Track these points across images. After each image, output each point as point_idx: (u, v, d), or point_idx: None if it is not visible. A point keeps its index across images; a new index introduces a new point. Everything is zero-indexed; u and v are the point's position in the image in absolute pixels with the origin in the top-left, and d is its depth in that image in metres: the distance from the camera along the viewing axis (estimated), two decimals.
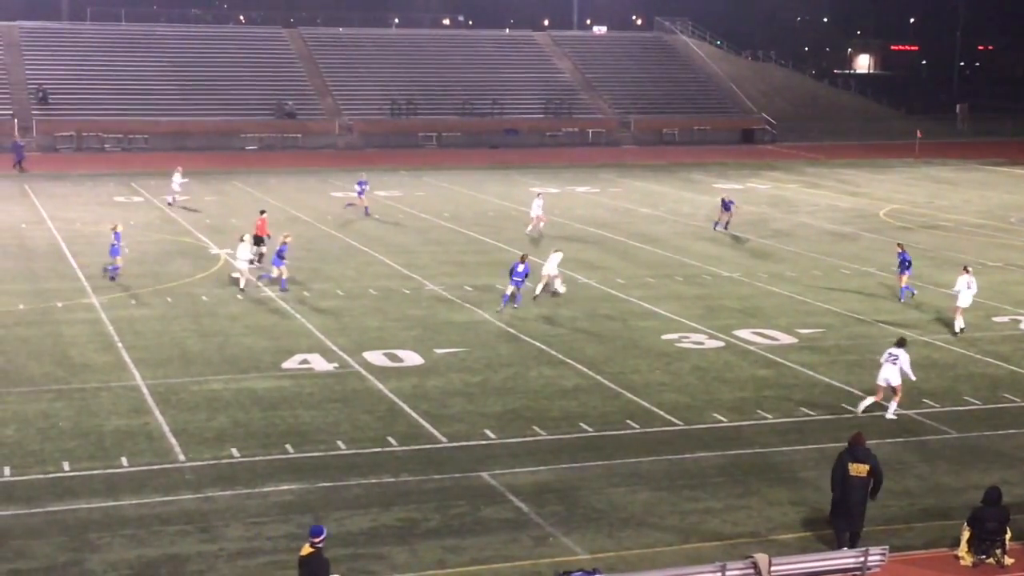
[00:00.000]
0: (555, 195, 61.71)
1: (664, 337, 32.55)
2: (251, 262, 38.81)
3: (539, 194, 50.90)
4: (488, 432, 24.75)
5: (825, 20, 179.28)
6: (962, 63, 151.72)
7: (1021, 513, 19.74)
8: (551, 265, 37.20)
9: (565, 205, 57.78)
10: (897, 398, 25.94)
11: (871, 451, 19.49)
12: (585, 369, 29.37)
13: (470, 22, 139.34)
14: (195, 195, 57.80)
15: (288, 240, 38.56)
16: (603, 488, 21.83)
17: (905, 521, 20.46)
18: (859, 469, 19.08)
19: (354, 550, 19.11)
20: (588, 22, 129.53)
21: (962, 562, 18.69)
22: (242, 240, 38.34)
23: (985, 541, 18.71)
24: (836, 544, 19.13)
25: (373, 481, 21.99)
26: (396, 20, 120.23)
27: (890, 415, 25.85)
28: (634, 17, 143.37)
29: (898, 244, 39.97)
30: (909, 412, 26.23)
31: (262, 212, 43.46)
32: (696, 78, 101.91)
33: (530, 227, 48.86)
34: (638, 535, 19.82)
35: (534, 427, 25.09)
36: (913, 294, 37.51)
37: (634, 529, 20.05)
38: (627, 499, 21.35)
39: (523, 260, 35.99)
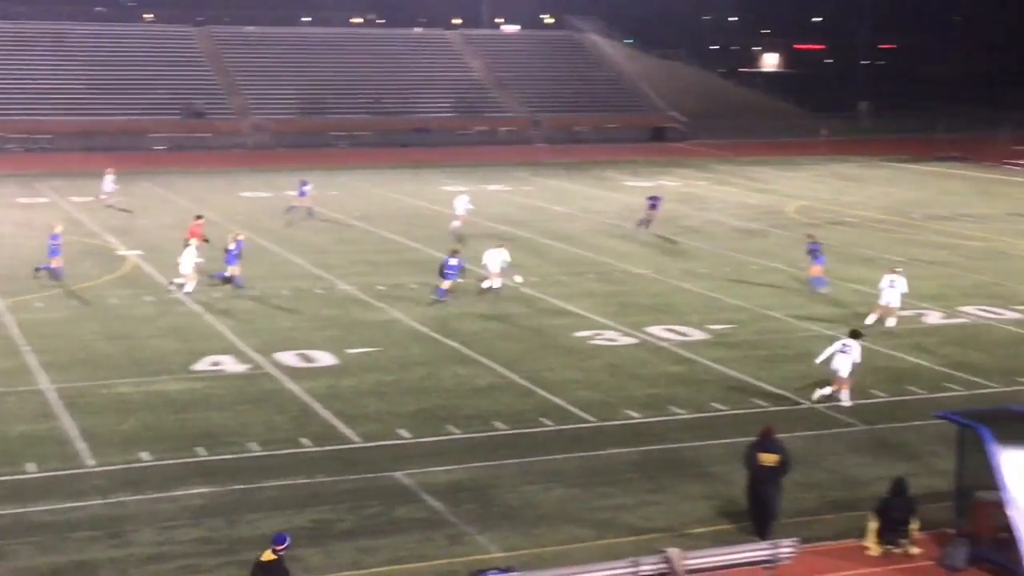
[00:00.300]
0: (466, 193, 61.66)
1: (577, 335, 32.71)
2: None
3: (463, 192, 50.87)
4: (402, 432, 24.70)
5: (732, 19, 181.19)
6: (866, 61, 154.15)
7: (926, 503, 20.11)
8: (495, 261, 37.45)
9: (477, 204, 57.69)
10: (846, 387, 26.79)
11: (781, 442, 19.83)
12: (499, 367, 29.42)
13: (381, 21, 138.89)
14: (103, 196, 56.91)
15: (241, 238, 38.66)
16: (517, 486, 21.89)
17: (815, 513, 20.78)
18: (768, 459, 19.48)
19: None
20: (498, 21, 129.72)
21: (870, 552, 19.03)
22: (187, 245, 37.63)
23: (892, 531, 19.07)
24: (755, 529, 19.51)
25: (286, 483, 21.84)
26: (306, 19, 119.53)
27: (845, 403, 26.68)
28: (544, 16, 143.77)
29: (808, 235, 40.65)
30: (818, 406, 26.64)
31: (198, 217, 42.85)
32: (606, 76, 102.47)
33: (458, 223, 48.91)
34: (552, 532, 19.90)
35: (448, 426, 25.08)
36: (826, 286, 38.13)
37: (548, 526, 20.13)
38: (541, 496, 21.43)
39: (454, 255, 36.41)
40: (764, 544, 17.88)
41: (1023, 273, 41.79)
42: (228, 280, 37.86)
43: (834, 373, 26.87)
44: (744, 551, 17.69)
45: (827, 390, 27.03)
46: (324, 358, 30.01)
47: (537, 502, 21.18)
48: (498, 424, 25.27)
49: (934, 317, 35.03)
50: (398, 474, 22.37)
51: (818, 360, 27.35)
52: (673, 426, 25.38)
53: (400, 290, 37.98)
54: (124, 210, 53.39)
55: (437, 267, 36.96)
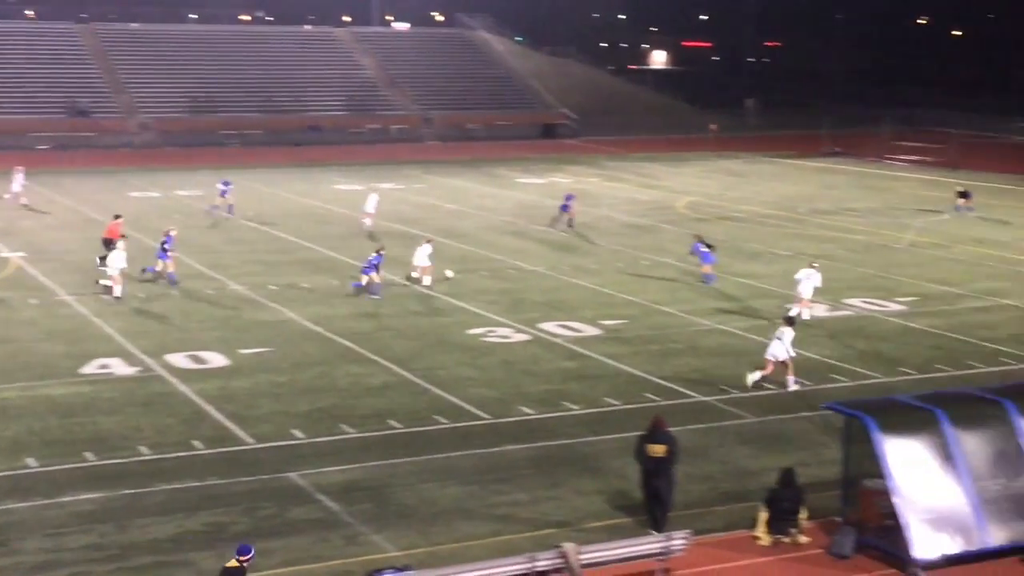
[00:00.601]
0: (359, 192, 61.44)
1: (470, 332, 32.77)
2: (100, 264, 38.01)
3: (373, 190, 51.10)
4: (296, 432, 24.54)
5: (621, 17, 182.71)
6: (751, 59, 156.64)
7: (814, 493, 20.51)
8: (421, 255, 38.37)
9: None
10: (789, 371, 27.71)
11: (670, 433, 20.10)
12: (393, 366, 29.36)
13: (269, 18, 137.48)
14: None
15: (173, 233, 38.57)
16: (413, 484, 21.88)
17: (707, 505, 21.07)
18: (656, 450, 19.75)
19: (159, 558, 18.72)
20: (389, 19, 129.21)
21: (760, 542, 19.35)
22: (115, 247, 36.86)
23: (781, 521, 19.41)
24: (648, 522, 19.75)
25: (178, 486, 21.57)
26: (193, 16, 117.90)
27: (791, 387, 27.59)
28: (434, 14, 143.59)
29: (695, 235, 41.20)
30: (709, 399, 27.02)
31: (116, 216, 42.14)
32: (497, 74, 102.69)
33: (369, 222, 49.00)
34: (448, 530, 19.93)
35: (342, 425, 24.98)
36: (712, 281, 38.77)
37: (444, 524, 20.15)
38: (437, 494, 21.45)
39: (378, 252, 37.45)
40: (657, 536, 18.11)
41: (905, 265, 42.79)
42: (159, 275, 37.87)
43: (770, 359, 27.62)
44: (638, 544, 17.90)
45: (757, 374, 27.78)
46: (216, 359, 29.68)
47: (433, 500, 21.19)
48: (393, 423, 25.23)
49: (820, 310, 35.68)
50: (292, 475, 22.22)
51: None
52: (567, 422, 25.56)
53: (293, 290, 37.70)
54: (33, 209, 52.52)
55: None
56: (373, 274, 36.75)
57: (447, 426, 25.16)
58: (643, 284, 39.21)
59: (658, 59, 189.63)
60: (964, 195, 56.35)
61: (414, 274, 38.69)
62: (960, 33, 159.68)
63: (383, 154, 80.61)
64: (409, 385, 27.93)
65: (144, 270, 38.22)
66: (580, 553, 17.31)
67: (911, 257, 44.51)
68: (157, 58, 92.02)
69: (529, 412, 26.10)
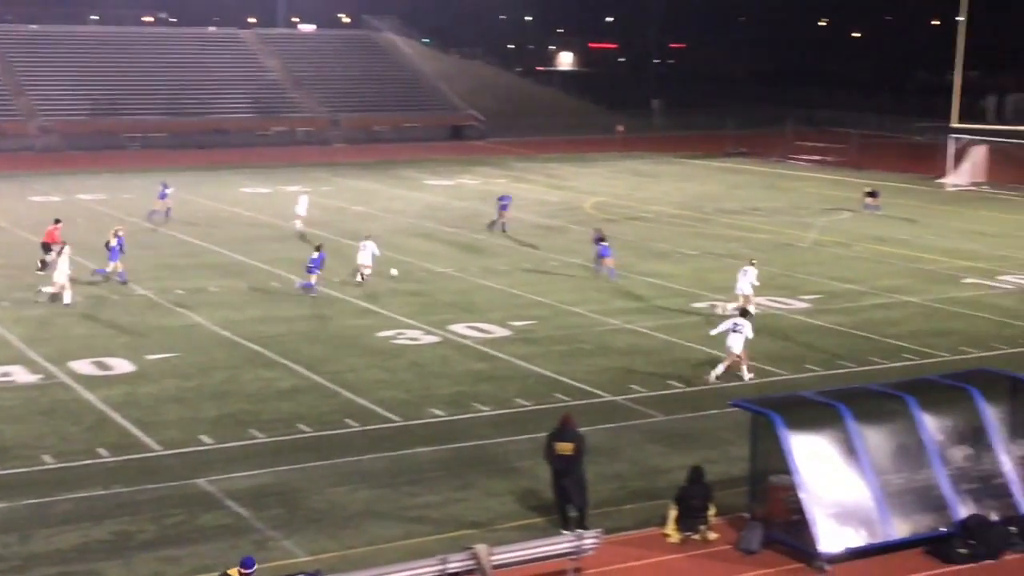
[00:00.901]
0: (266, 195, 61.05)
1: (380, 334, 32.67)
2: (39, 268, 38.15)
3: (305, 192, 51.28)
4: (204, 438, 24.28)
5: (528, 19, 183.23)
6: (657, 60, 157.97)
7: (722, 490, 20.76)
8: (365, 254, 38.81)
9: (277, 205, 57.14)
10: (743, 363, 28.45)
11: (578, 431, 20.23)
12: (302, 369, 29.17)
13: (173, 20, 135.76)
14: None
15: (122, 233, 38.88)
16: (323, 488, 21.76)
17: (617, 503, 21.21)
18: (564, 448, 19.87)
19: (64, 568, 18.41)
20: (294, 20, 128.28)
21: (670, 540, 19.53)
22: (60, 253, 36.18)
23: (690, 518, 19.61)
24: (559, 521, 19.86)
25: (83, 495, 21.23)
26: (94, 17, 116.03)
27: (746, 377, 28.32)
28: (341, 15, 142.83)
29: (595, 229, 41.95)
30: (618, 398, 27.21)
31: (56, 221, 41.75)
32: (405, 76, 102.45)
33: (300, 224, 48.92)
34: (359, 533, 19.86)
35: (251, 430, 24.77)
36: (615, 278, 39.17)
37: (355, 527, 20.07)
38: (348, 498, 21.35)
39: (318, 250, 37.75)
40: (568, 536, 18.19)
41: (809, 264, 43.45)
42: (109, 276, 37.99)
43: (728, 351, 28.38)
44: (549, 544, 17.98)
45: (720, 368, 28.48)
46: (121, 365, 29.26)
47: (343, 504, 21.09)
48: (302, 427, 25.07)
49: (727, 308, 36.03)
50: (200, 481, 21.98)
51: (712, 332, 29.28)
52: (478, 423, 25.58)
53: (201, 294, 37.30)
54: None
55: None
56: (317, 273, 37.29)
57: (357, 429, 25.06)
58: (552, 285, 39.37)
59: (565, 60, 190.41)
60: (872, 194, 57.43)
61: (365, 272, 38.81)
62: (859, 35, 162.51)
63: (290, 156, 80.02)
64: (319, 388, 27.77)
65: (95, 272, 38.39)
66: (492, 554, 17.35)
67: (815, 256, 45.21)
68: (58, 60, 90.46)
69: (439, 414, 26.08)
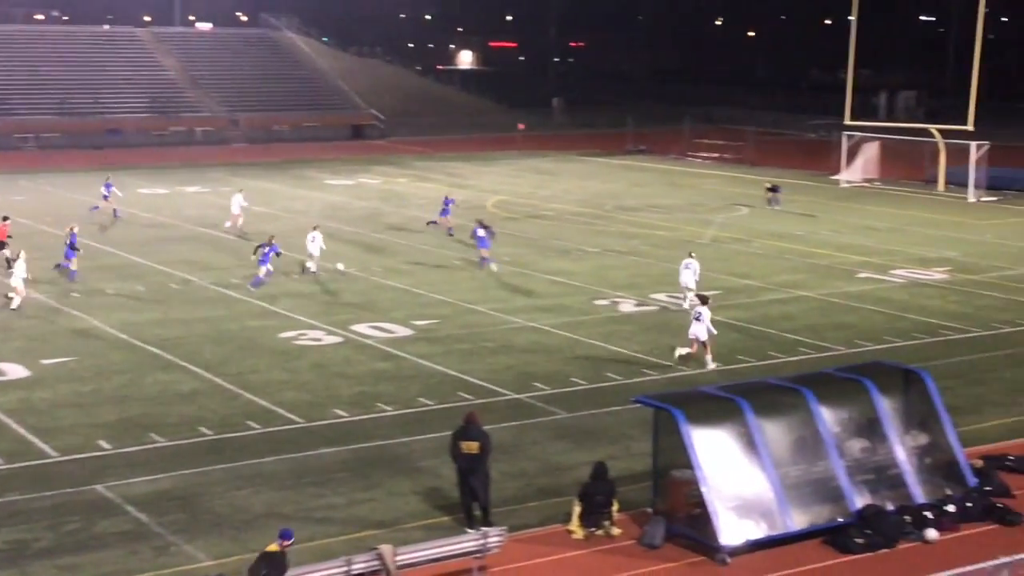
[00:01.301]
0: (164, 196, 60.26)
1: (282, 335, 32.42)
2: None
3: (240, 191, 51.36)
4: (102, 443, 23.90)
5: (428, 18, 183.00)
6: (557, 59, 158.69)
7: (626, 485, 20.95)
8: (315, 244, 40.39)
9: (175, 206, 56.49)
10: (708, 351, 29.37)
11: (483, 429, 20.28)
12: (202, 372, 28.85)
13: (65, 18, 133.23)
14: None
15: (75, 230, 39.66)
16: (225, 491, 21.55)
17: (521, 501, 21.28)
18: (470, 446, 19.93)
19: None
20: (192, 18, 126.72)
21: (574, 536, 19.64)
22: (18, 258, 35.60)
23: (594, 514, 19.74)
24: (464, 520, 19.91)
25: None
26: None
27: (710, 366, 29.20)
28: (239, 14, 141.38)
29: (477, 220, 43.15)
30: (521, 396, 27.30)
31: (4, 218, 41.46)
32: (304, 75, 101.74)
33: (229, 223, 49.01)
34: (263, 536, 19.63)
35: (151, 434, 24.44)
36: (492, 266, 40.23)
37: (259, 530, 19.88)
38: (250, 501, 21.16)
39: (270, 242, 38.67)
40: (474, 534, 18.23)
41: (708, 260, 43.80)
42: (63, 272, 38.95)
43: (693, 339, 29.27)
44: (454, 543, 18.00)
45: (684, 350, 29.54)
46: (15, 371, 28.69)
47: (246, 507, 20.90)
48: (203, 429, 24.79)
49: (628, 305, 36.41)
50: (99, 487, 21.64)
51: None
52: (382, 423, 25.51)
53: (97, 297, 36.71)
54: None
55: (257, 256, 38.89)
56: (268, 265, 38.37)
57: (259, 431, 24.85)
58: (454, 284, 39.38)
59: (465, 59, 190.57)
60: (773, 189, 58.49)
61: (309, 264, 40.15)
62: (754, 34, 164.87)
63: (188, 157, 79.06)
64: (220, 391, 27.48)
65: (57, 266, 39.21)
66: (396, 554, 17.33)
67: (714, 252, 45.72)
68: None
69: (343, 414, 25.96)
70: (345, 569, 17.01)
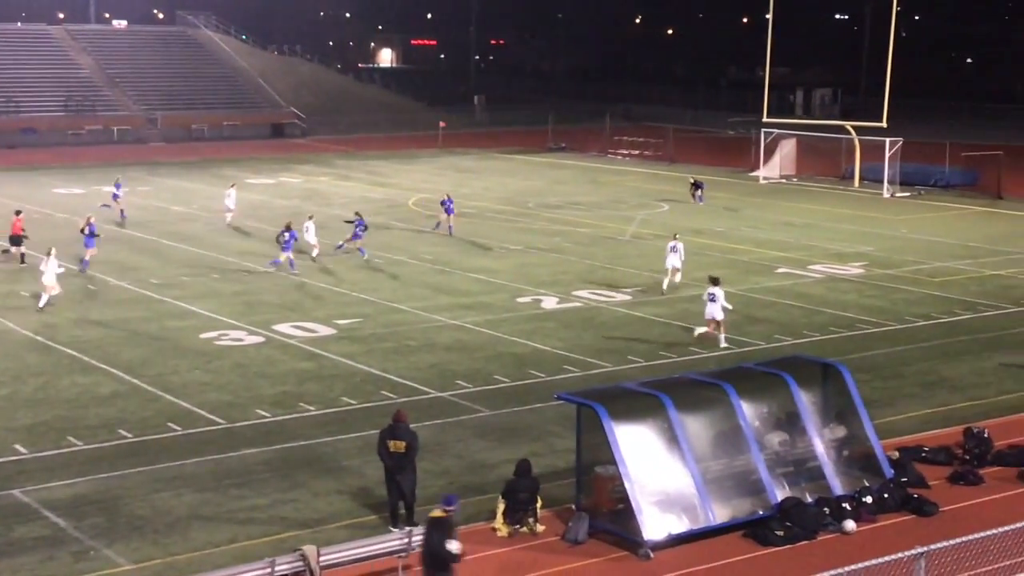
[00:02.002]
0: (80, 196, 59.43)
1: (203, 336, 32.14)
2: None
3: (233, 185, 52.48)
4: (18, 447, 23.54)
5: (348, 15, 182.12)
6: (477, 57, 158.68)
7: (549, 482, 21.04)
8: (310, 234, 42.53)
9: (92, 205, 55.68)
10: (723, 330, 31.18)
11: (410, 428, 20.26)
12: (122, 374, 28.51)
13: None
14: None
15: (93, 220, 40.69)
16: (146, 494, 21.32)
17: None
18: (397, 446, 19.91)
19: None
20: (107, 16, 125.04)
21: (499, 533, 19.69)
22: (49, 255, 35.12)
23: (518, 511, 19.80)
24: (389, 519, 19.90)
25: None
26: None
27: (722, 344, 31.01)
28: (155, 11, 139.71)
29: (356, 213, 44.59)
30: (444, 394, 27.30)
31: (17, 212, 43.21)
32: (223, 73, 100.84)
33: (230, 217, 50.25)
34: (185, 539, 19.51)
35: (69, 438, 24.11)
36: (363, 256, 42.06)
37: (180, 533, 19.71)
38: (171, 503, 20.96)
39: (288, 229, 40.61)
40: (398, 533, 18.21)
41: (629, 257, 44.25)
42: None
43: (709, 319, 31.06)
44: (378, 542, 17.96)
45: (702, 329, 31.36)
46: None
47: (167, 509, 20.69)
48: (123, 432, 24.51)
49: (550, 302, 36.55)
50: (15, 492, 21.30)
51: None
52: (305, 423, 25.39)
53: (12, 299, 36.14)
54: None
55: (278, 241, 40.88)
56: (290, 252, 40.31)
57: (180, 433, 24.61)
58: (377, 282, 39.28)
59: (386, 57, 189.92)
60: (697, 185, 59.16)
61: (313, 252, 41.81)
62: (672, 32, 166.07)
63: (105, 156, 78.03)
64: (140, 393, 27.18)
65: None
66: (320, 555, 17.26)
67: (635, 248, 46.05)
68: None
69: (265, 415, 25.80)
70: (269, 570, 16.91)
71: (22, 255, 41.35)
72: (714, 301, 30.89)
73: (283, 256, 40.25)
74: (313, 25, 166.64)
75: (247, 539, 19.53)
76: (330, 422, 25.46)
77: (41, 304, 34.69)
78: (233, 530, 19.87)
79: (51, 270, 34.75)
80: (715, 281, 31.40)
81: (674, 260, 37.57)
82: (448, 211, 48.94)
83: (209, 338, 31.98)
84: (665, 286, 37.45)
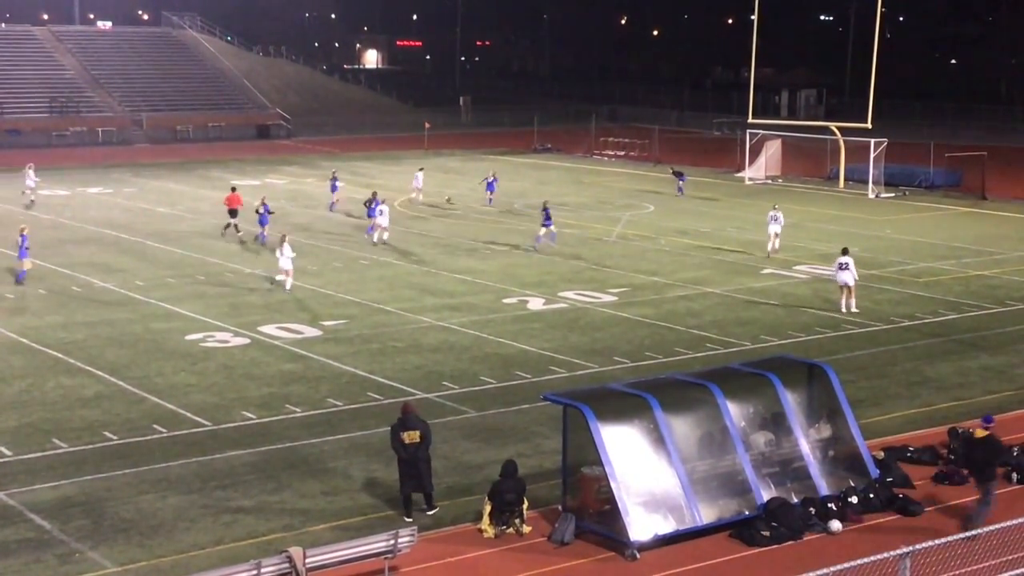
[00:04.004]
0: (66, 197, 59.30)
1: (188, 338, 32.07)
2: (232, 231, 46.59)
3: (421, 169, 57.33)
4: (3, 449, 23.46)
5: (333, 16, 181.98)
6: (463, 58, 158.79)
7: (535, 483, 21.05)
8: (384, 217, 45.52)
9: (77, 207, 55.58)
10: (853, 296, 35.17)
11: (421, 418, 20.55)
12: (106, 375, 28.43)
13: None
14: None
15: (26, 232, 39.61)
16: (131, 497, 21.26)
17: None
18: (412, 436, 20.29)
19: None
20: (91, 16, 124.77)
21: (485, 534, 19.68)
22: (283, 241, 38.13)
23: (505, 512, 19.80)
24: (403, 509, 20.33)
25: None
26: None
27: (853, 308, 35.08)
28: (140, 12, 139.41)
29: (373, 192, 47.01)
30: (430, 395, 27.28)
31: (232, 188, 47.78)
32: (209, 74, 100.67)
33: (417, 196, 56.38)
34: (170, 542, 19.46)
35: (54, 439, 24.03)
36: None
37: (166, 536, 19.66)
38: (156, 506, 20.91)
39: (373, 198, 46.13)
40: (384, 535, 18.16)
41: (615, 257, 44.27)
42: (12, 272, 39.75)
43: (843, 285, 35.13)
44: (364, 544, 17.92)
45: (843, 302, 35.33)
46: None
47: (152, 512, 20.64)
48: (108, 434, 24.44)
49: (536, 303, 36.55)
50: (1, 494, 21.22)
51: (834, 276, 35.95)
52: (290, 424, 25.34)
53: None
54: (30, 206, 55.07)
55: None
56: (377, 218, 45.00)
57: (166, 435, 24.55)
58: (363, 284, 39.24)
59: (371, 59, 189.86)
60: (678, 174, 61.90)
61: (278, 277, 38.88)
62: (657, 33, 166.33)
63: (90, 158, 77.81)
64: (125, 394, 27.11)
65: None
66: (307, 556, 17.23)
67: (620, 249, 46.09)
68: None
69: (251, 416, 25.75)
70: (255, 572, 16.86)
71: (236, 226, 47.42)
72: (846, 269, 34.85)
73: (372, 221, 45.91)
74: (298, 26, 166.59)
75: (233, 541, 19.49)
76: (316, 423, 25.42)
77: (287, 287, 37.57)
78: (219, 532, 19.84)
79: (287, 255, 37.44)
80: (845, 251, 35.61)
81: (774, 228, 44.25)
82: (490, 188, 57.38)
83: (194, 340, 31.91)
84: (769, 248, 44.37)
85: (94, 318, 34.20)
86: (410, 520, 19.80)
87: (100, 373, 28.67)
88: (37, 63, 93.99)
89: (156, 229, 49.65)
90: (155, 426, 24.99)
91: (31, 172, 57.38)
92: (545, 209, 45.92)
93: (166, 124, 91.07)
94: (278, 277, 38.36)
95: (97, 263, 41.81)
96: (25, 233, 39.16)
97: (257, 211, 46.13)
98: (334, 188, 55.50)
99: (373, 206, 45.89)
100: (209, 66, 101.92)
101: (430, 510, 20.46)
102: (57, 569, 18.45)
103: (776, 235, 44.42)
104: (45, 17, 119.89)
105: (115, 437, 24.32)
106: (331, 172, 59.65)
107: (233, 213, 47.85)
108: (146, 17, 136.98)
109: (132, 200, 58.49)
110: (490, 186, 57.89)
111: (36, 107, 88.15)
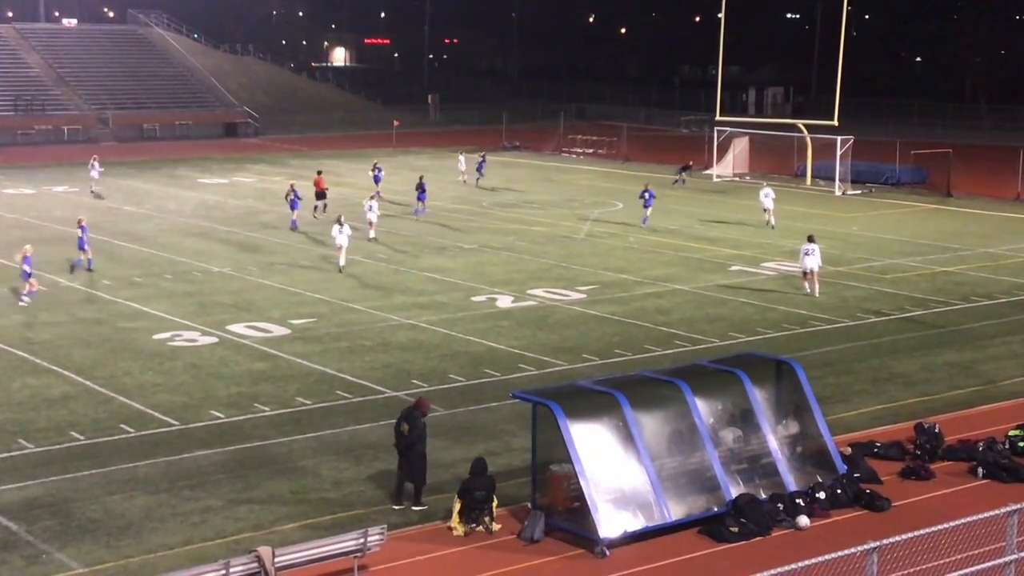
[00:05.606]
0: (31, 196, 58.91)
1: (156, 337, 31.92)
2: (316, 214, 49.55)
3: (461, 153, 59.55)
4: None
5: (300, 14, 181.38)
6: (431, 56, 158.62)
7: (505, 481, 21.06)
8: (372, 213, 46.65)
9: (43, 206, 55.23)
10: (816, 281, 36.94)
11: (420, 416, 20.90)
12: (73, 375, 28.27)
13: None
14: None
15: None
16: (98, 497, 21.15)
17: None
18: (404, 428, 20.70)
19: None
20: (57, 14, 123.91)
21: (455, 533, 19.68)
22: (340, 222, 41.01)
23: (475, 510, 19.80)
24: (394, 495, 20.85)
25: None
26: None
27: (817, 294, 36.76)
28: (106, 9, 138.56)
29: (421, 176, 49.39)
30: (399, 394, 27.24)
31: (319, 172, 48.62)
32: (175, 72, 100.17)
33: (466, 179, 60.45)
34: (138, 542, 19.37)
35: (20, 440, 23.88)
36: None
37: (134, 536, 19.57)
38: (124, 506, 20.80)
39: (421, 181, 51.62)
40: (353, 534, 18.13)
41: (584, 255, 44.34)
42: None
43: (807, 271, 36.79)
44: (334, 543, 17.89)
45: (807, 286, 37.00)
46: None
47: (120, 512, 20.54)
48: (75, 434, 24.30)
49: (505, 301, 36.56)
50: None
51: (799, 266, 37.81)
52: (259, 423, 25.27)
53: None
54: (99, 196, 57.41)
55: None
56: (368, 214, 46.16)
57: (133, 435, 24.43)
58: (332, 282, 39.15)
59: (339, 56, 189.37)
60: (684, 168, 64.93)
61: (370, 232, 45.52)
62: (625, 31, 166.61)
63: (55, 156, 77.32)
64: (92, 394, 26.96)
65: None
66: (276, 556, 17.18)
67: (589, 247, 46.16)
68: None
69: (219, 416, 25.65)
70: (224, 572, 16.80)
71: (325, 206, 50.47)
72: (809, 255, 36.34)
73: (419, 204, 50.95)
74: (266, 24, 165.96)
75: (201, 541, 19.42)
76: (285, 423, 25.35)
77: (342, 263, 40.54)
78: (187, 532, 19.76)
79: (345, 233, 40.55)
80: (811, 239, 36.94)
81: (767, 203, 49.50)
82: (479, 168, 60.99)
83: (162, 339, 31.76)
84: (765, 221, 50.04)
85: (60, 317, 34.00)
86: (398, 508, 20.47)
87: (67, 373, 28.51)
88: (1, 61, 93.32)
89: (123, 228, 49.40)
90: (122, 426, 24.87)
91: (96, 164, 60.17)
92: (421, 184, 51.66)
93: (133, 122, 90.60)
94: (343, 255, 40.66)
95: (62, 262, 41.53)
96: (83, 224, 40.50)
97: (287, 197, 48.67)
98: (377, 179, 57.67)
99: (371, 204, 47.02)
100: (176, 64, 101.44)
101: (415, 505, 20.68)
102: (24, 570, 18.34)
103: (768, 210, 49.77)
104: (10, 15, 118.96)
105: (82, 437, 24.19)
106: (372, 164, 61.55)
107: (320, 195, 51.06)
108: (112, 15, 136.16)
109: (98, 199, 58.13)
110: (376, 178, 58.45)
111: (1, 105, 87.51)
